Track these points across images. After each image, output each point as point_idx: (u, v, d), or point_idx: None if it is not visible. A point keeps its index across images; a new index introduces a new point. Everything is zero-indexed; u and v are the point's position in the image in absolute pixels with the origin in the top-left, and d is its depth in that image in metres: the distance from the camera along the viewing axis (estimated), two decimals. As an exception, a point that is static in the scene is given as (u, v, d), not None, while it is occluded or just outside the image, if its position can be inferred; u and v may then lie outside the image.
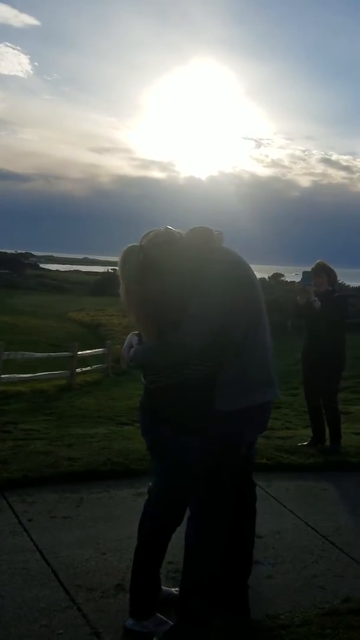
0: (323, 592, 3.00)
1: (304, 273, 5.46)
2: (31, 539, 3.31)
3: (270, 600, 2.87)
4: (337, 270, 5.79)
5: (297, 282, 5.92)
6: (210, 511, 2.45)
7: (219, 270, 2.41)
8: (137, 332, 2.61)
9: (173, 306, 2.41)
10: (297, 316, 5.83)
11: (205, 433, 2.43)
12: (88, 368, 14.98)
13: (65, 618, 2.59)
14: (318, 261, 5.63)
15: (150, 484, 2.66)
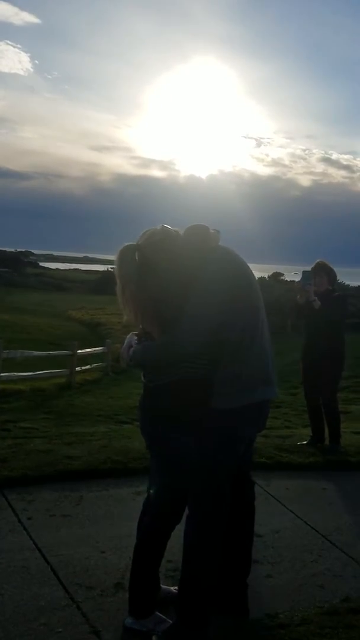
0: (322, 591, 3.00)
1: (304, 272, 5.46)
2: (30, 538, 3.31)
3: (270, 600, 2.87)
4: (337, 270, 5.79)
5: (297, 282, 5.92)
6: (209, 510, 2.45)
7: (216, 269, 2.41)
8: (136, 332, 2.62)
9: (170, 305, 2.41)
10: (297, 316, 5.84)
11: (204, 431, 2.43)
12: (88, 367, 14.99)
13: (65, 616, 2.60)
14: (318, 260, 5.63)
15: (149, 488, 2.65)
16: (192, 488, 2.48)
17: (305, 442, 5.62)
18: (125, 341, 2.63)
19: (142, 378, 2.59)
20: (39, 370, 12.59)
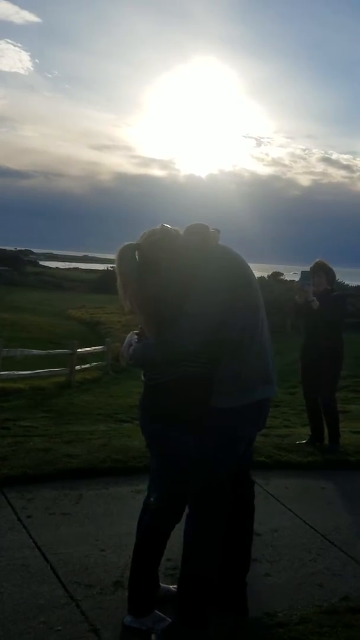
0: (321, 590, 3.00)
1: (303, 273, 5.46)
2: (30, 536, 3.32)
3: (269, 598, 2.87)
4: (336, 270, 5.79)
5: (296, 282, 5.92)
6: (208, 509, 2.45)
7: (216, 268, 2.41)
8: (137, 331, 2.62)
9: (170, 303, 2.41)
10: (296, 316, 5.84)
11: (204, 430, 2.44)
12: (87, 365, 14.99)
13: (64, 614, 2.60)
14: (317, 260, 5.64)
15: (149, 487, 2.65)
16: (192, 487, 2.48)
17: (304, 442, 5.63)
18: (126, 340, 2.63)
19: (142, 377, 2.60)
20: (38, 369, 12.59)
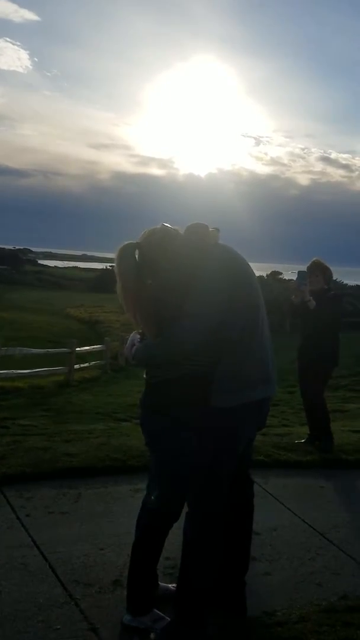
0: (320, 589, 3.01)
1: (299, 272, 5.45)
2: (29, 535, 3.32)
3: (267, 597, 2.88)
4: (335, 269, 5.78)
5: (292, 282, 5.91)
6: (207, 508, 2.46)
7: (216, 268, 2.41)
8: (139, 330, 2.62)
9: (170, 303, 2.41)
10: (293, 315, 5.82)
11: (203, 429, 2.43)
12: (86, 364, 14.99)
13: (63, 613, 2.60)
14: (314, 259, 5.63)
15: (148, 486, 2.65)
16: (192, 486, 2.48)
17: (303, 441, 5.62)
18: (129, 340, 2.63)
19: (144, 375, 2.60)
20: (37, 368, 12.59)
